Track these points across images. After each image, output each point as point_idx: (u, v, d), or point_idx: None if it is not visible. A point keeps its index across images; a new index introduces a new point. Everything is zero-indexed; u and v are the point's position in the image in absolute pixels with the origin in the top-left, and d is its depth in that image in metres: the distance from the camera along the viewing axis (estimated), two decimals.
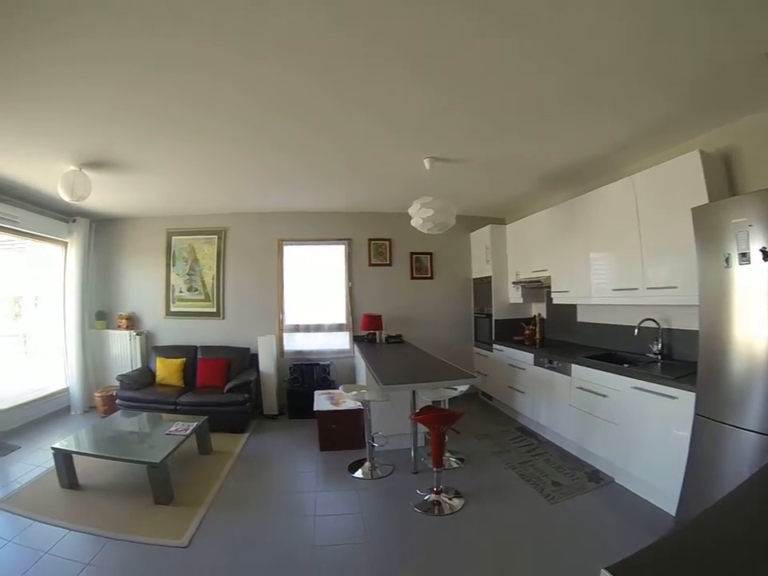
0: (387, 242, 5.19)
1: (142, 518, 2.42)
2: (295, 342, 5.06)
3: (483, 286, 5.00)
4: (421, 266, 5.25)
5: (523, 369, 3.96)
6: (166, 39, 1.69)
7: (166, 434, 3.00)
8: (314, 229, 5.07)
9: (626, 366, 2.83)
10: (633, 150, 3.01)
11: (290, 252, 5.10)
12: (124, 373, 4.44)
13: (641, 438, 2.52)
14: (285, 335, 5.01)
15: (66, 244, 4.70)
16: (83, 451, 2.80)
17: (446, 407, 3.28)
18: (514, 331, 4.55)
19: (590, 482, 2.80)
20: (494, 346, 4.60)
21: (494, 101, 2.27)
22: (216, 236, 5.10)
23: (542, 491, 2.71)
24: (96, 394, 4.55)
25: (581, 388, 3.09)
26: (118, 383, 4.28)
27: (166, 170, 3.40)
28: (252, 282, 5.02)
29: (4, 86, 2.03)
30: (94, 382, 4.80)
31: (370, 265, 5.15)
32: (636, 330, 2.99)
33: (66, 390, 4.64)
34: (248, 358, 4.66)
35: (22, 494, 2.71)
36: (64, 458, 2.75)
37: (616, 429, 2.73)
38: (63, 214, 4.58)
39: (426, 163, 3.13)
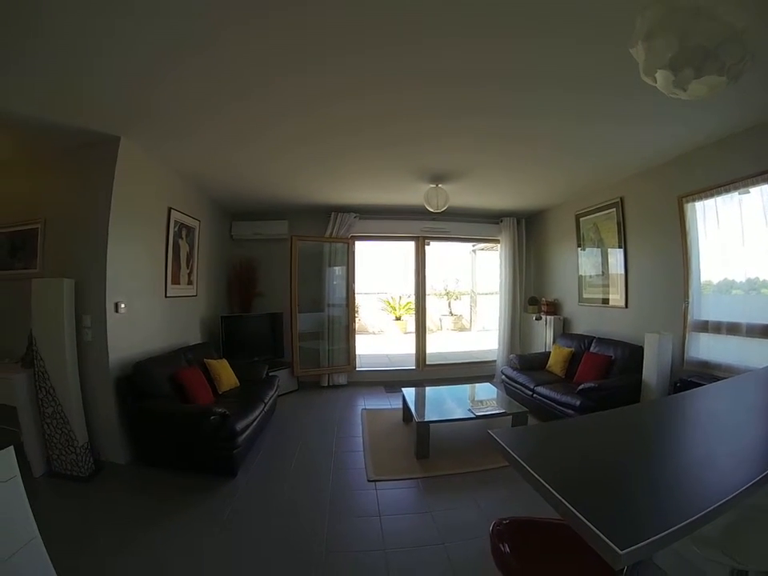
0: None
1: (395, 464, 3.02)
2: (699, 348, 3.30)
3: None
4: None
5: None
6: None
7: (468, 410, 3.39)
8: (722, 164, 3.04)
9: None
10: None
11: (699, 211, 3.31)
12: (521, 353, 5.10)
13: None
14: (689, 335, 3.37)
15: (498, 241, 5.96)
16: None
17: None
18: None
19: None
20: None
21: None
22: (614, 208, 4.33)
23: None
24: (502, 368, 5.12)
25: None
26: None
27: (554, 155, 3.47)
28: (654, 260, 3.86)
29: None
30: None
31: None
32: None
33: (494, 362, 5.90)
34: (636, 360, 3.62)
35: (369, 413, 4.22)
36: (404, 401, 3.75)
37: None
38: (493, 218, 5.83)
39: None
